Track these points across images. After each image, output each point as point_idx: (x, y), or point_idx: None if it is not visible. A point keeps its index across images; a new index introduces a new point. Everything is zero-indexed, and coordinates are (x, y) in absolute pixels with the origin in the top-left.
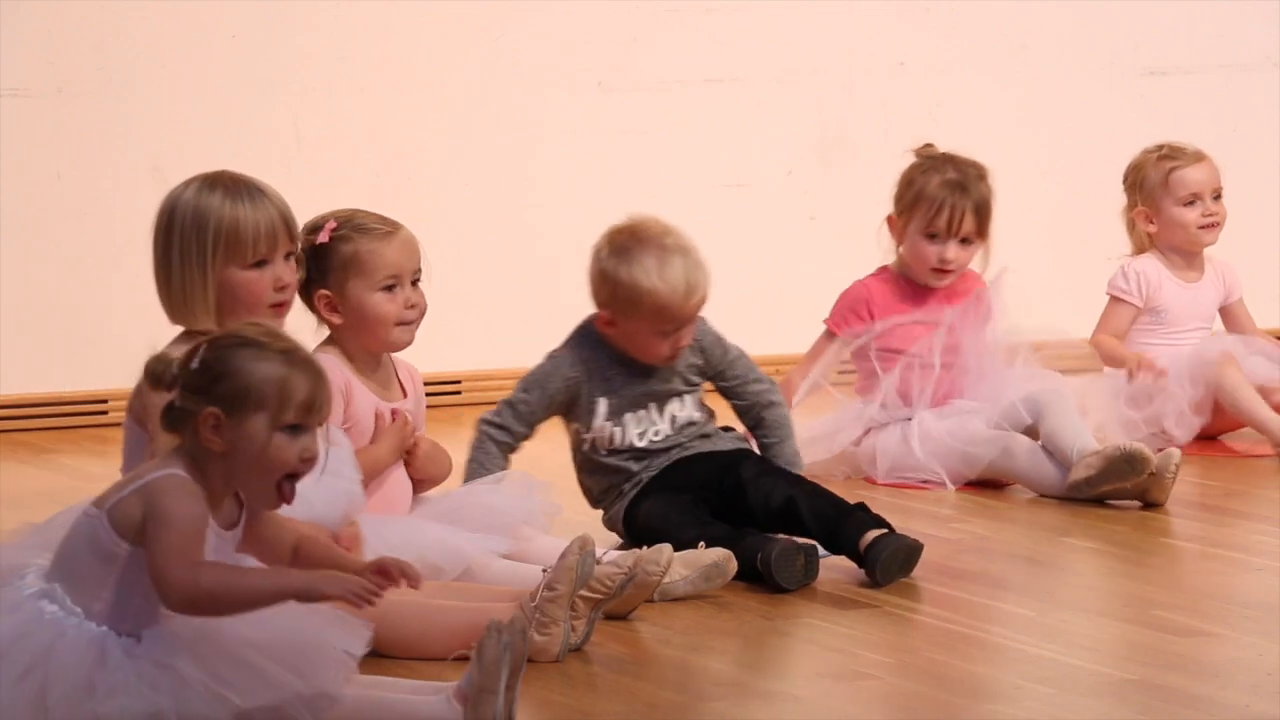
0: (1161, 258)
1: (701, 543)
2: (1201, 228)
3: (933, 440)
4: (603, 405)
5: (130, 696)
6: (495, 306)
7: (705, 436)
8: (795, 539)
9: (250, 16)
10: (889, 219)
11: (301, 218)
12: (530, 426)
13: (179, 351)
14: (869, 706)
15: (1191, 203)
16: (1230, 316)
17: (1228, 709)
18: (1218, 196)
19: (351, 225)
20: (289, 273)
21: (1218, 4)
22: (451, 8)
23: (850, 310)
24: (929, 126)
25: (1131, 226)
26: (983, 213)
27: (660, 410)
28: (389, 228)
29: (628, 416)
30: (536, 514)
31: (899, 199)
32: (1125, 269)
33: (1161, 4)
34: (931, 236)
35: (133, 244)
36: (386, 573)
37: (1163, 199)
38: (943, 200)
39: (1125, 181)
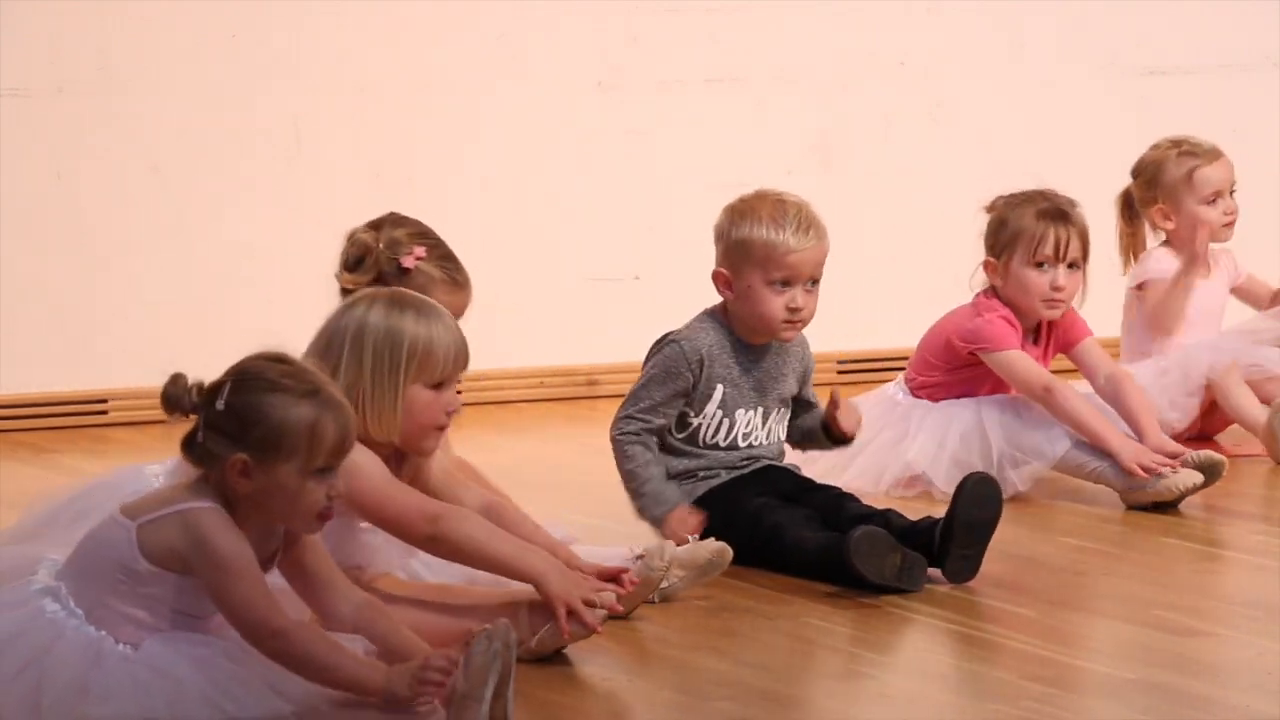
0: (1175, 255)
1: (695, 537)
2: (1223, 225)
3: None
4: (719, 393)
5: (124, 701)
6: (494, 306)
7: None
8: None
9: (250, 16)
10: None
11: (302, 217)
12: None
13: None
14: (869, 706)
15: (1214, 201)
16: (1247, 294)
17: (1228, 709)
18: (1233, 192)
19: None
20: (458, 400)
21: (1218, 4)
22: (451, 8)
23: (1009, 324)
24: (929, 126)
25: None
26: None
27: (765, 418)
28: None
29: (739, 413)
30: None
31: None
32: (1158, 256)
33: (1161, 4)
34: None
35: (133, 244)
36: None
37: (1184, 197)
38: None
39: (1138, 177)
